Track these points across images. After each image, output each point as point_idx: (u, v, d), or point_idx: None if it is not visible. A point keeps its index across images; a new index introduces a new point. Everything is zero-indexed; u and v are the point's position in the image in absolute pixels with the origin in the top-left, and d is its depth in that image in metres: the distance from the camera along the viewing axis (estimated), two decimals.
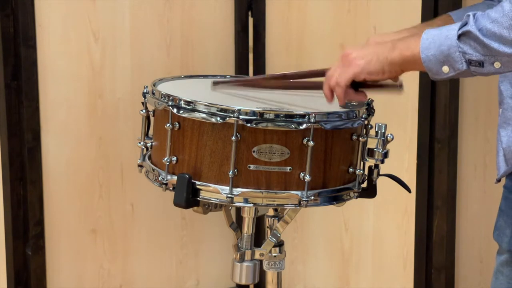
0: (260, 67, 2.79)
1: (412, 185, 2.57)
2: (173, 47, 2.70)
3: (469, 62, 1.44)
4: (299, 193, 1.58)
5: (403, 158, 2.60)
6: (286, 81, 1.82)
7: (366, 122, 1.65)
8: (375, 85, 1.58)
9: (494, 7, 1.43)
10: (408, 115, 2.58)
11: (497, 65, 1.43)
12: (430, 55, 1.46)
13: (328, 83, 1.58)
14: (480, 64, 1.43)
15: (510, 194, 1.64)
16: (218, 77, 1.97)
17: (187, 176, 1.58)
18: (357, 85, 1.57)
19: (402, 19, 2.49)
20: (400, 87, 1.57)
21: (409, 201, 2.62)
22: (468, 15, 1.44)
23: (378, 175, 1.70)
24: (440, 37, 1.45)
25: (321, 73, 1.65)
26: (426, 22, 1.78)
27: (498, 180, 1.68)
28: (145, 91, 1.71)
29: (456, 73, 1.46)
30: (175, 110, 1.59)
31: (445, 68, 1.46)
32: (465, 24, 1.43)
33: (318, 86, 1.66)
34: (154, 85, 1.72)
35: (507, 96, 1.63)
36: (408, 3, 2.52)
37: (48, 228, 2.58)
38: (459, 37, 1.43)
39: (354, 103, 1.70)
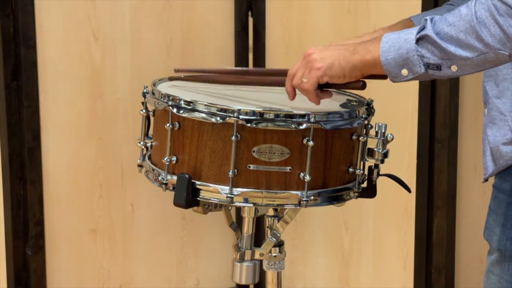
0: (260, 67, 2.79)
1: (412, 185, 2.57)
2: (173, 47, 2.70)
3: (427, 66, 1.46)
4: (299, 193, 1.58)
5: (403, 158, 2.60)
6: (247, 78, 1.84)
7: (366, 122, 1.65)
8: (338, 84, 1.59)
9: (452, 11, 1.44)
10: (408, 115, 2.58)
11: (454, 68, 1.45)
12: (389, 58, 1.48)
13: (291, 81, 1.60)
14: (438, 67, 1.45)
15: (499, 193, 1.65)
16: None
17: (187, 176, 1.57)
18: (321, 85, 1.59)
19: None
20: (362, 85, 1.58)
21: (409, 201, 2.62)
22: (426, 19, 1.46)
23: (378, 175, 1.70)
24: (399, 40, 1.47)
25: (284, 73, 1.67)
26: (387, 26, 1.79)
27: (486, 180, 1.69)
28: (145, 91, 1.71)
29: (414, 76, 1.48)
30: (175, 110, 1.59)
31: (404, 71, 1.48)
32: (423, 28, 1.45)
33: (279, 83, 1.67)
34: (154, 85, 1.72)
35: (492, 95, 1.64)
36: (408, 3, 2.52)
37: (48, 228, 2.58)
38: (417, 41, 1.45)
39: (355, 103, 1.70)
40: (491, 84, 1.64)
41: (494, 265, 1.66)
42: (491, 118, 1.64)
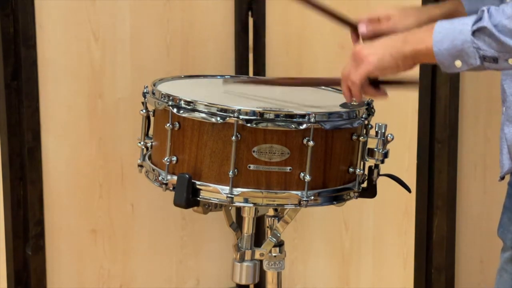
0: (260, 67, 2.79)
1: (412, 185, 2.57)
2: (173, 47, 2.70)
3: (483, 58, 1.43)
4: (299, 193, 1.58)
5: (403, 158, 2.60)
6: (300, 79, 1.81)
7: (366, 122, 1.65)
8: (393, 81, 1.57)
9: (509, 2, 1.42)
10: (408, 115, 2.58)
11: (511, 61, 1.42)
12: (443, 49, 1.44)
13: (345, 82, 1.56)
14: (495, 60, 1.42)
15: None
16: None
17: (187, 176, 1.58)
18: (375, 82, 1.56)
19: None
20: (417, 83, 1.56)
21: (409, 201, 2.62)
22: (483, 10, 1.42)
23: (378, 175, 1.70)
24: (454, 31, 1.44)
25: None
26: (435, 5, 1.76)
27: (502, 178, 1.67)
28: (145, 91, 1.71)
29: (469, 68, 1.45)
30: (175, 110, 1.59)
31: (458, 63, 1.45)
32: (480, 19, 1.42)
33: (335, 83, 1.65)
34: (154, 85, 1.72)
35: (510, 94, 1.63)
36: (408, 3, 2.52)
37: (48, 228, 2.58)
38: (474, 32, 1.42)
39: (355, 103, 1.70)
40: (508, 82, 1.63)
41: (508, 263, 1.65)
42: (509, 116, 1.62)
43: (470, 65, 1.44)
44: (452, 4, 1.74)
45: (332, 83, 1.70)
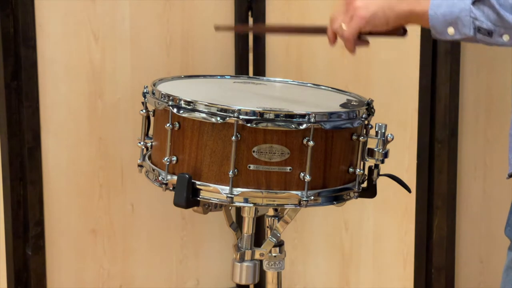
0: (260, 67, 2.79)
1: (412, 185, 2.57)
2: (173, 47, 2.70)
3: (478, 29, 1.41)
4: (299, 193, 1.58)
5: (403, 158, 2.60)
6: (287, 26, 1.78)
7: (366, 122, 1.65)
8: (378, 32, 1.55)
9: None
10: (408, 115, 2.58)
11: (505, 37, 1.40)
12: (439, 13, 1.43)
13: (332, 27, 1.57)
14: (489, 33, 1.40)
15: None
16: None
17: (187, 176, 1.57)
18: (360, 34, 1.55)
19: None
20: (403, 33, 1.55)
21: (409, 201, 2.62)
22: None
23: (378, 175, 1.70)
24: None
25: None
26: None
27: (510, 176, 1.66)
28: (145, 91, 1.71)
29: (461, 37, 1.43)
30: (175, 110, 1.59)
31: (451, 30, 1.43)
32: None
33: (320, 30, 1.65)
34: (154, 85, 1.72)
35: None
36: None
37: (48, 228, 2.58)
38: (474, 2, 1.40)
39: (355, 103, 1.70)
40: None
41: None
42: None
43: (463, 34, 1.42)
44: None
45: (319, 31, 1.68)
